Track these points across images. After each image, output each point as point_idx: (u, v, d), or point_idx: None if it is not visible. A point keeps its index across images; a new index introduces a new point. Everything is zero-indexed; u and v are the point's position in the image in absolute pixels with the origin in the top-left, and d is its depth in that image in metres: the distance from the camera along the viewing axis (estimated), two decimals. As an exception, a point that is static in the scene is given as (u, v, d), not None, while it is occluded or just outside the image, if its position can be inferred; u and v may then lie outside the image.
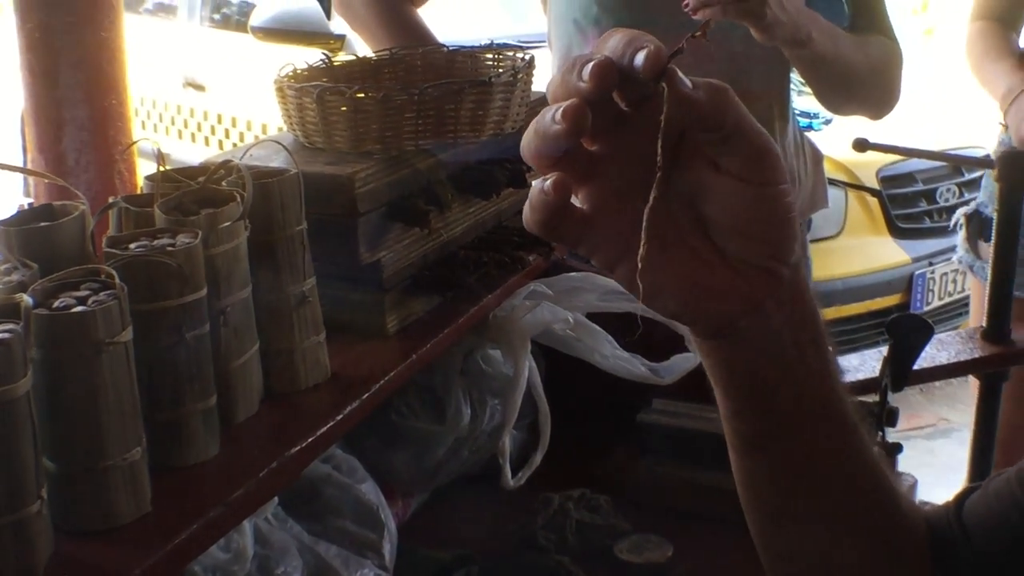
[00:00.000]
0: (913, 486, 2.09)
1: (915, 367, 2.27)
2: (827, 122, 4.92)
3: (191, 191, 1.47)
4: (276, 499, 1.63)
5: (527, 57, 1.91)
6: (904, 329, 2.08)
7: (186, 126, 6.90)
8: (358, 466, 1.78)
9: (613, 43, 0.84)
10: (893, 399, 2.08)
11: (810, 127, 4.77)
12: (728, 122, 0.86)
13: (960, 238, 3.31)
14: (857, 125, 3.19)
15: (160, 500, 1.29)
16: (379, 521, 1.72)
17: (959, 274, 5.06)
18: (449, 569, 1.79)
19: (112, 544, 1.23)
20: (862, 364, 2.70)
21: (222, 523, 1.31)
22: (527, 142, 0.87)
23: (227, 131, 6.59)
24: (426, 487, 2.00)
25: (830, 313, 4.98)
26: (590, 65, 0.83)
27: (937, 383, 5.53)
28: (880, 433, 2.02)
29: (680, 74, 0.83)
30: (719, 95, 0.86)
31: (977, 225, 3.24)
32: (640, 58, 0.82)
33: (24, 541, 1.15)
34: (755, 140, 0.88)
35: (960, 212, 3.30)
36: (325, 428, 1.48)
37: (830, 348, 1.01)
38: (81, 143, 2.53)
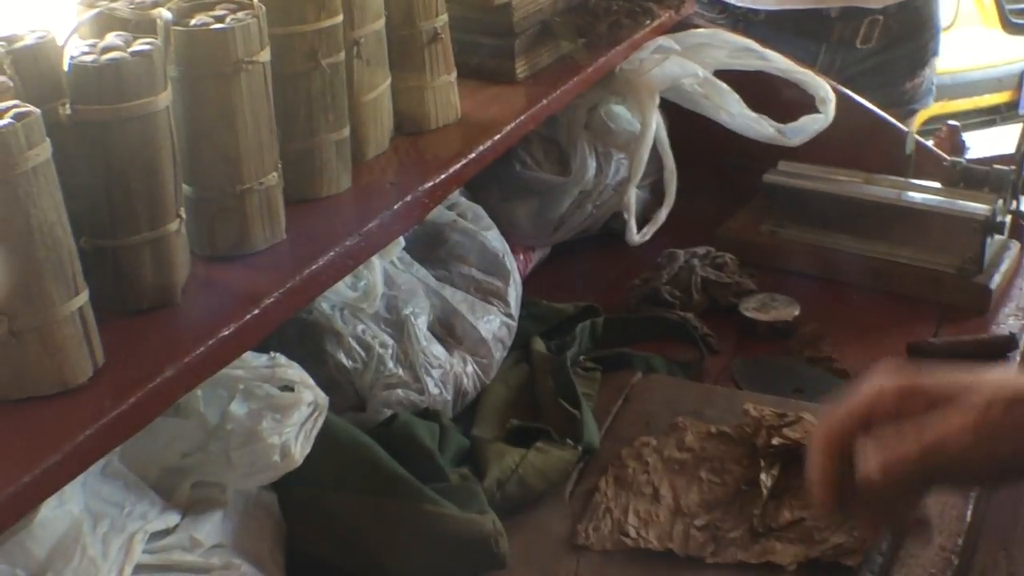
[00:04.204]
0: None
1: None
2: None
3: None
4: (403, 243, 1.62)
5: None
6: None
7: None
8: (483, 214, 1.76)
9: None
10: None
11: None
12: None
13: None
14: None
15: (294, 229, 1.28)
16: (504, 269, 1.69)
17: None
18: (573, 320, 1.77)
19: (247, 268, 1.23)
20: (993, 139, 2.63)
21: (356, 253, 1.30)
22: None
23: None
24: (548, 240, 1.98)
25: (936, 109, 4.86)
26: None
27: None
28: (1015, 201, 1.96)
29: None
30: None
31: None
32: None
33: (163, 259, 1.14)
34: None
35: None
36: (456, 167, 1.45)
37: None
38: None
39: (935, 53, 2.59)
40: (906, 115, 2.51)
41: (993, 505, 1.52)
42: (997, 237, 1.93)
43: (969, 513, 1.43)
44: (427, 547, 1.31)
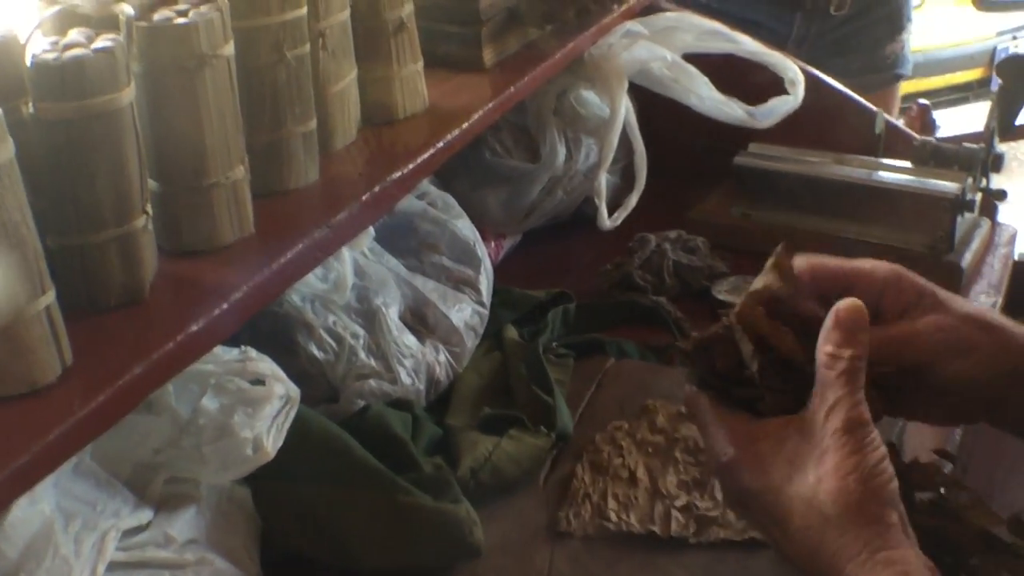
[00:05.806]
0: (1014, 236, 2.05)
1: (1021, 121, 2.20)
2: None
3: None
4: (373, 233, 1.62)
5: None
6: (1015, 70, 2.01)
7: None
8: (453, 203, 1.76)
9: None
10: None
11: None
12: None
13: None
14: None
15: (262, 223, 1.27)
16: (475, 257, 1.69)
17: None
18: (545, 307, 1.77)
19: (216, 264, 1.22)
20: (964, 117, 2.64)
21: (325, 245, 1.29)
22: None
23: None
24: (519, 227, 1.98)
25: (907, 87, 4.88)
26: None
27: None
28: (985, 179, 1.97)
29: None
30: None
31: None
32: None
33: (130, 256, 1.13)
34: None
35: None
36: (425, 156, 1.44)
37: None
38: None
39: (909, 19, 2.60)
40: (892, 80, 2.52)
41: (969, 474, 1.53)
42: (967, 215, 1.93)
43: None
44: (401, 538, 1.31)
